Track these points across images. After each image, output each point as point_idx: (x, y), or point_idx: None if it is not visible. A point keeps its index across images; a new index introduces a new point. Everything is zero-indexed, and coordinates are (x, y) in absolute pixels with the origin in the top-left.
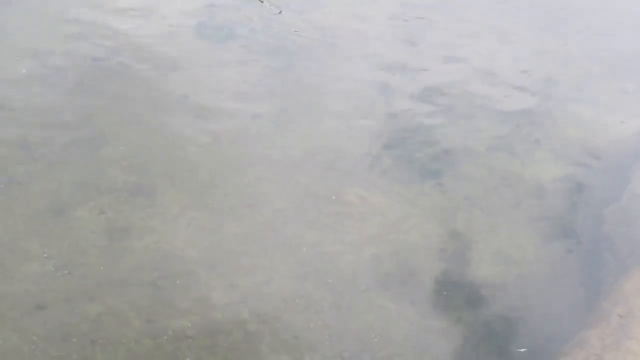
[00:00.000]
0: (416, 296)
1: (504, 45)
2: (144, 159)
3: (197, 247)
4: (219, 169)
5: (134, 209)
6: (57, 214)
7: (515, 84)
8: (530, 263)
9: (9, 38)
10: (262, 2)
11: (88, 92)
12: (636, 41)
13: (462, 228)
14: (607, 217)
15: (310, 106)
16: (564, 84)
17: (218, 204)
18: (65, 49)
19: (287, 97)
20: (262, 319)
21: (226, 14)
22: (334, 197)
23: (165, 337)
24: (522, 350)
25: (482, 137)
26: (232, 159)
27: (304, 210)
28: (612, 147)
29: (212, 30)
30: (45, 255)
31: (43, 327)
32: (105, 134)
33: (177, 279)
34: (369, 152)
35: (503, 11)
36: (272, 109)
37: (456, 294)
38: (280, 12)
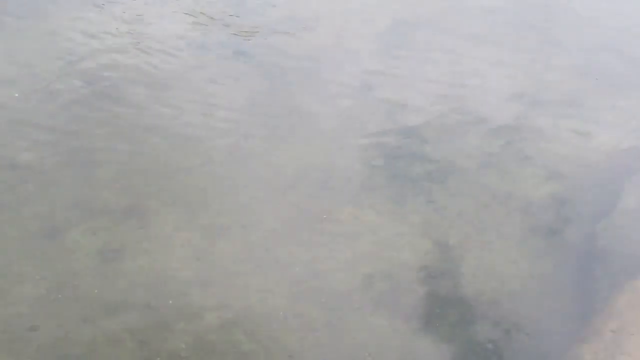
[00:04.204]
0: (409, 314)
1: (494, 62)
2: (136, 181)
3: (190, 267)
4: (211, 189)
5: (127, 230)
6: (50, 237)
7: (505, 101)
8: (523, 279)
9: (5, 65)
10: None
11: (80, 115)
12: (625, 57)
13: (454, 245)
14: (598, 232)
15: (301, 125)
16: (554, 101)
17: (211, 224)
18: (57, 72)
19: (278, 116)
20: (256, 339)
21: (216, 35)
22: (326, 216)
23: (159, 359)
24: None
25: (472, 155)
26: (225, 179)
27: (297, 229)
28: (602, 162)
29: (202, 52)
30: (38, 277)
31: (37, 350)
32: (97, 156)
33: (171, 299)
34: (361, 170)
35: (494, 28)
36: (264, 129)
37: (449, 311)
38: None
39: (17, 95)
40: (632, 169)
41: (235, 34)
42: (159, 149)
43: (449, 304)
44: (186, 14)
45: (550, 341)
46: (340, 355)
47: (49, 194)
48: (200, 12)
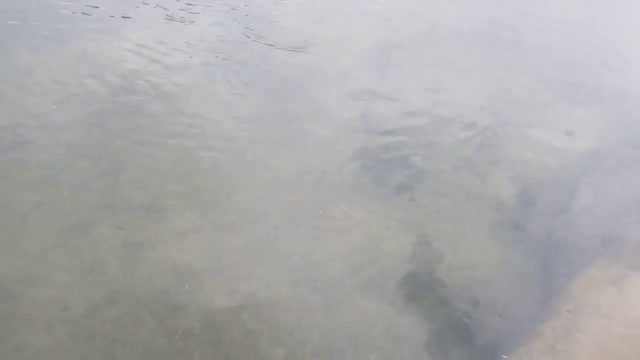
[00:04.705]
0: (393, 297)
1: (465, 78)
2: (156, 182)
3: (202, 257)
4: (220, 190)
5: (148, 225)
6: (81, 230)
7: (477, 112)
8: (492, 267)
9: (37, 78)
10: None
11: (107, 124)
12: (581, 72)
13: (433, 238)
14: (557, 226)
15: (299, 134)
16: (520, 112)
17: (220, 220)
18: (87, 87)
19: (279, 125)
20: (260, 319)
21: (226, 52)
22: (321, 213)
23: (176, 336)
24: (505, 357)
25: (448, 159)
26: (232, 180)
27: (295, 224)
28: (561, 165)
29: (212, 68)
30: (70, 265)
31: (70, 329)
32: (121, 160)
33: (186, 285)
34: (351, 173)
35: (465, 48)
36: (266, 136)
37: (428, 294)
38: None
39: (54, 107)
40: (586, 170)
41: (241, 52)
42: (175, 154)
43: (428, 288)
44: (201, 40)
45: (517, 320)
46: (333, 332)
47: (79, 193)
48: (215, 37)
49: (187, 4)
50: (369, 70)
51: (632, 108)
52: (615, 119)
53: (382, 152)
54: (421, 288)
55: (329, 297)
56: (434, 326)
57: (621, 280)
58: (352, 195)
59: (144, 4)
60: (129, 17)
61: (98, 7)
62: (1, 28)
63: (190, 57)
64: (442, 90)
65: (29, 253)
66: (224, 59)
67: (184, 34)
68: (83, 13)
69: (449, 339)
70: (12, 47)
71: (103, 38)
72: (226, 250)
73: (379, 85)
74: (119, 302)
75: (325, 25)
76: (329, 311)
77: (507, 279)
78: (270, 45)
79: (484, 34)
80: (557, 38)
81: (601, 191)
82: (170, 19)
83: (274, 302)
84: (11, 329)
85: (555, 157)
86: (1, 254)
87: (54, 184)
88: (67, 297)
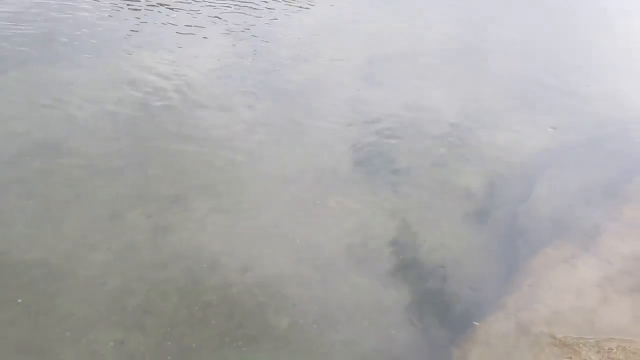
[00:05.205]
0: (380, 273)
1: (442, 88)
2: (180, 177)
3: (218, 240)
4: (234, 183)
5: (172, 213)
6: (115, 218)
7: (450, 117)
8: (464, 248)
9: (80, 91)
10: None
11: (137, 127)
12: (536, 83)
13: (414, 223)
14: (519, 213)
15: (301, 135)
16: (486, 117)
17: (234, 209)
18: (121, 96)
19: (284, 128)
20: (268, 292)
21: (239, 67)
22: (319, 203)
23: (196, 307)
24: (476, 324)
25: (427, 157)
26: (244, 175)
27: (297, 212)
28: (522, 161)
29: (227, 81)
30: (106, 247)
31: (107, 301)
32: (150, 159)
33: (204, 264)
34: (345, 169)
35: (442, 63)
36: (273, 139)
37: (409, 271)
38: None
39: (92, 113)
40: (543, 166)
41: (250, 66)
42: (196, 153)
43: (409, 266)
44: (217, 59)
45: (485, 293)
46: (330, 303)
47: (114, 186)
48: (230, 54)
49: (199, 27)
50: (359, 81)
51: (580, 112)
52: (567, 122)
53: (371, 151)
54: (404, 266)
55: (326, 274)
56: (415, 298)
57: (573, 259)
58: (346, 188)
59: (173, 24)
60: (156, 35)
61: (137, 31)
62: (46, 46)
63: (209, 72)
64: (421, 98)
65: (71, 237)
66: (237, 73)
67: (203, 51)
68: (116, 31)
69: (428, 308)
70: (55, 63)
71: (136, 55)
72: (238, 234)
73: (368, 93)
74: (147, 279)
75: (324, 44)
76: (326, 286)
77: (476, 258)
78: (277, 60)
79: (455, 51)
80: (516, 55)
81: (555, 183)
82: (189, 36)
83: (279, 278)
84: (57, 301)
85: (517, 155)
86: (48, 238)
87: (92, 179)
88: (104, 274)
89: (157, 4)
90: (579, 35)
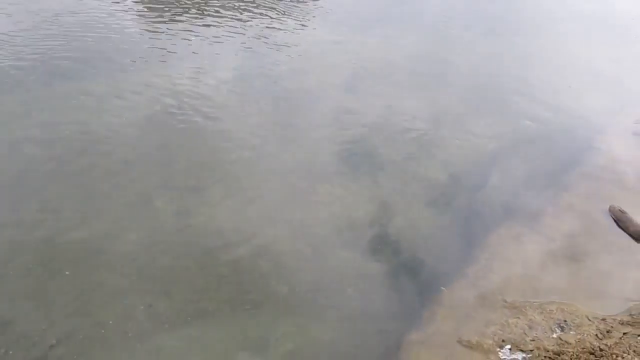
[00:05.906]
0: (363, 249)
1: (412, 96)
2: (198, 170)
3: (230, 222)
4: (243, 175)
5: (192, 200)
6: (144, 203)
7: (420, 121)
8: (430, 228)
9: (112, 100)
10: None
11: (162, 130)
12: (492, 92)
13: (389, 208)
14: (476, 199)
15: (297, 136)
16: (450, 121)
17: (243, 196)
18: (150, 105)
19: (283, 130)
20: (271, 264)
21: (247, 82)
22: (312, 190)
23: (212, 277)
24: (443, 289)
25: (400, 153)
26: (251, 168)
27: (294, 199)
28: (479, 157)
29: (237, 93)
30: (137, 227)
31: (138, 272)
32: (172, 155)
33: (219, 241)
34: (333, 163)
35: (412, 76)
36: (274, 139)
37: (386, 248)
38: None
39: (124, 119)
40: (496, 160)
41: (259, 82)
42: (212, 150)
43: (386, 242)
44: (230, 74)
45: (449, 264)
46: (322, 273)
47: (144, 178)
48: (240, 72)
49: (214, 53)
50: (345, 92)
51: (527, 116)
52: (516, 125)
53: (354, 149)
54: (381, 242)
55: (319, 249)
56: (391, 268)
57: (520, 237)
58: (334, 178)
59: (188, 44)
60: (175, 53)
61: (166, 49)
62: (85, 63)
63: (222, 86)
64: (395, 106)
65: (109, 219)
66: (246, 86)
67: (216, 67)
68: (145, 50)
69: (402, 277)
70: (93, 78)
71: (162, 71)
72: (246, 216)
73: (352, 102)
74: (171, 254)
75: (315, 63)
76: (319, 259)
77: (441, 236)
78: (278, 75)
79: (424, 67)
80: (474, 69)
81: (505, 174)
82: (205, 55)
83: (280, 252)
84: (96, 272)
85: (475, 151)
86: (91, 220)
87: (125, 172)
88: (135, 250)
89: (181, 29)
90: (532, 58)
